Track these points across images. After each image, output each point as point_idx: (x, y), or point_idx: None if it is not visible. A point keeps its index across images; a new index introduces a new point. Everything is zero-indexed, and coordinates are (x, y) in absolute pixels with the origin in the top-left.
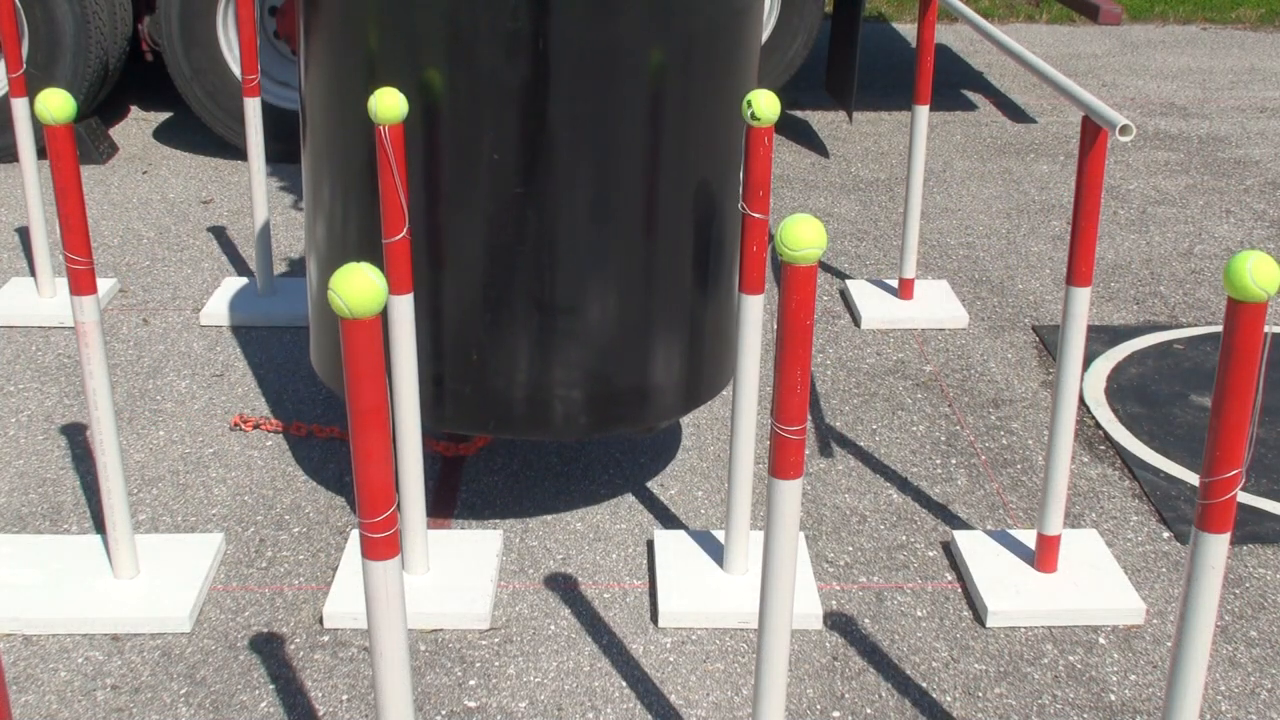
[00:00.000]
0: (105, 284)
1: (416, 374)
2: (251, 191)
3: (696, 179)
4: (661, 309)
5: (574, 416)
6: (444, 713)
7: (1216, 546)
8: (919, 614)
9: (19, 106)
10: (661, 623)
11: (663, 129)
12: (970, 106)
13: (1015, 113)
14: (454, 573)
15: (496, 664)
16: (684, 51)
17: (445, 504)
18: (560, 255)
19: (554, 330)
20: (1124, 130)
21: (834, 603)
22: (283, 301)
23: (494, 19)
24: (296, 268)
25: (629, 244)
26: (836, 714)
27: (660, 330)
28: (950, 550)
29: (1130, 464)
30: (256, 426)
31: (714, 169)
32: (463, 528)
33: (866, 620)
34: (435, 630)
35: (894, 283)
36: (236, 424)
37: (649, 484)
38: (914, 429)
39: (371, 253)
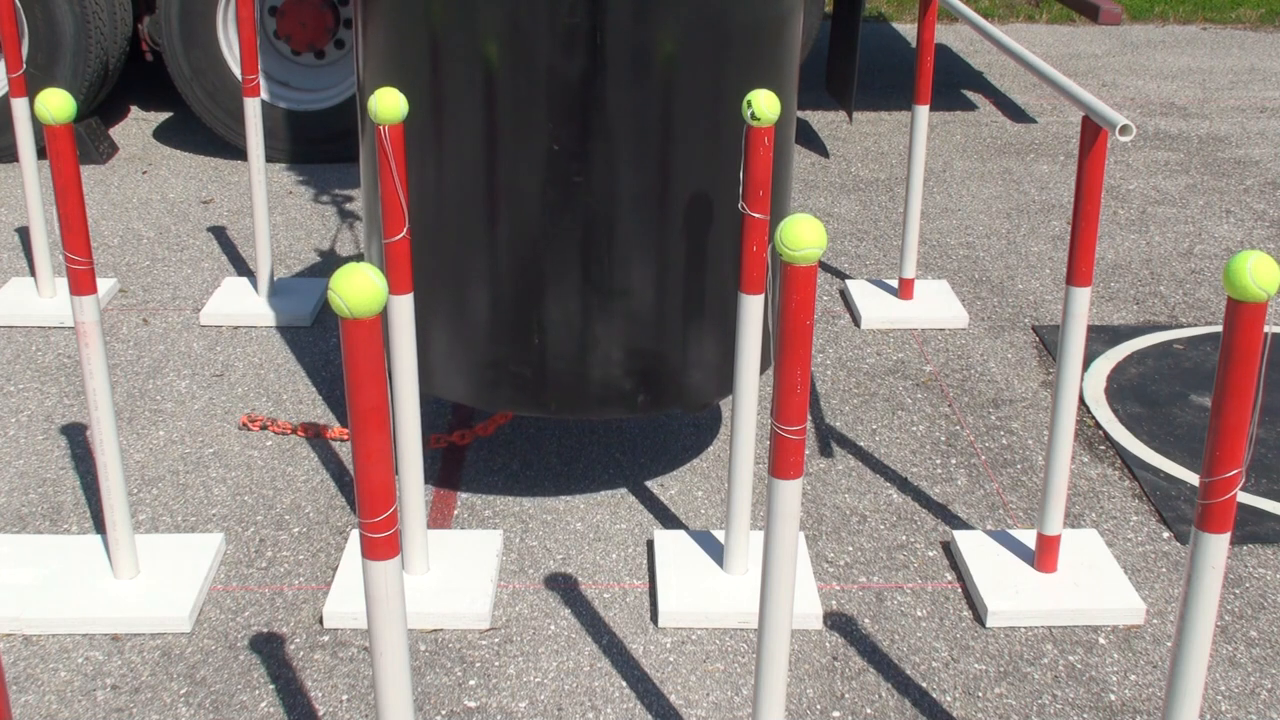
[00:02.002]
0: (105, 284)
1: (416, 373)
2: (251, 191)
3: (739, 171)
4: (709, 293)
5: (632, 395)
6: (444, 713)
7: (1216, 546)
8: (919, 614)
9: (19, 106)
10: (661, 623)
11: (711, 122)
12: (970, 106)
13: (1015, 113)
14: (454, 573)
15: (496, 664)
16: (731, 49)
17: (445, 504)
18: (617, 240)
19: (613, 312)
20: (1124, 130)
21: (834, 603)
22: (283, 301)
23: (553, 14)
24: (296, 268)
25: (680, 231)
26: (836, 714)
27: (708, 313)
28: (950, 550)
29: (1130, 464)
30: (264, 427)
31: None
32: (463, 528)
33: (866, 620)
34: (435, 630)
35: (894, 283)
36: (244, 424)
37: (649, 484)
38: (914, 429)
39: (434, 234)
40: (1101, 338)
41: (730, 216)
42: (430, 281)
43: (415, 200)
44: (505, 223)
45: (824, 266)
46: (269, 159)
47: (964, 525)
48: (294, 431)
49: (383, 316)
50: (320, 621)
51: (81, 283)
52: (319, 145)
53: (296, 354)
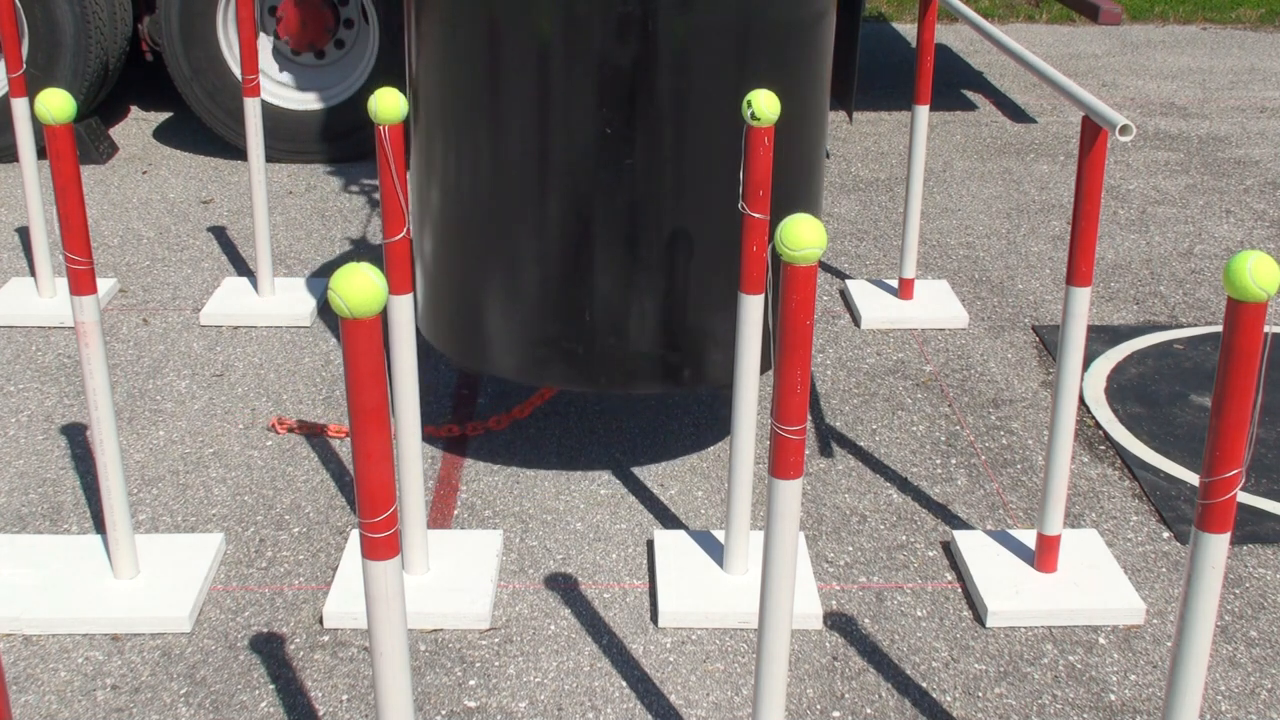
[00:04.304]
0: (105, 284)
1: (416, 374)
2: (251, 191)
3: (784, 160)
4: None
5: (678, 369)
6: (444, 713)
7: (1216, 546)
8: (919, 614)
9: (19, 106)
10: (661, 623)
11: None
12: (970, 106)
13: (1015, 113)
14: (454, 573)
15: (496, 664)
16: (774, 41)
17: (445, 504)
18: (665, 221)
19: (660, 291)
20: (1124, 130)
21: (834, 603)
22: (283, 301)
23: (607, 2)
24: (296, 268)
25: (726, 213)
26: (836, 714)
27: None
28: (950, 550)
29: (1130, 464)
30: (291, 430)
31: (798, 152)
32: (463, 528)
33: (866, 620)
34: (435, 630)
35: (894, 283)
36: (273, 426)
37: (649, 484)
38: (914, 429)
39: (489, 216)
40: (1101, 338)
41: (782, 182)
42: (483, 261)
43: (470, 182)
44: (558, 205)
45: (824, 266)
46: (269, 159)
47: (964, 525)
48: (322, 431)
49: (383, 316)
50: (320, 621)
51: (81, 283)
52: (319, 145)
53: (296, 354)
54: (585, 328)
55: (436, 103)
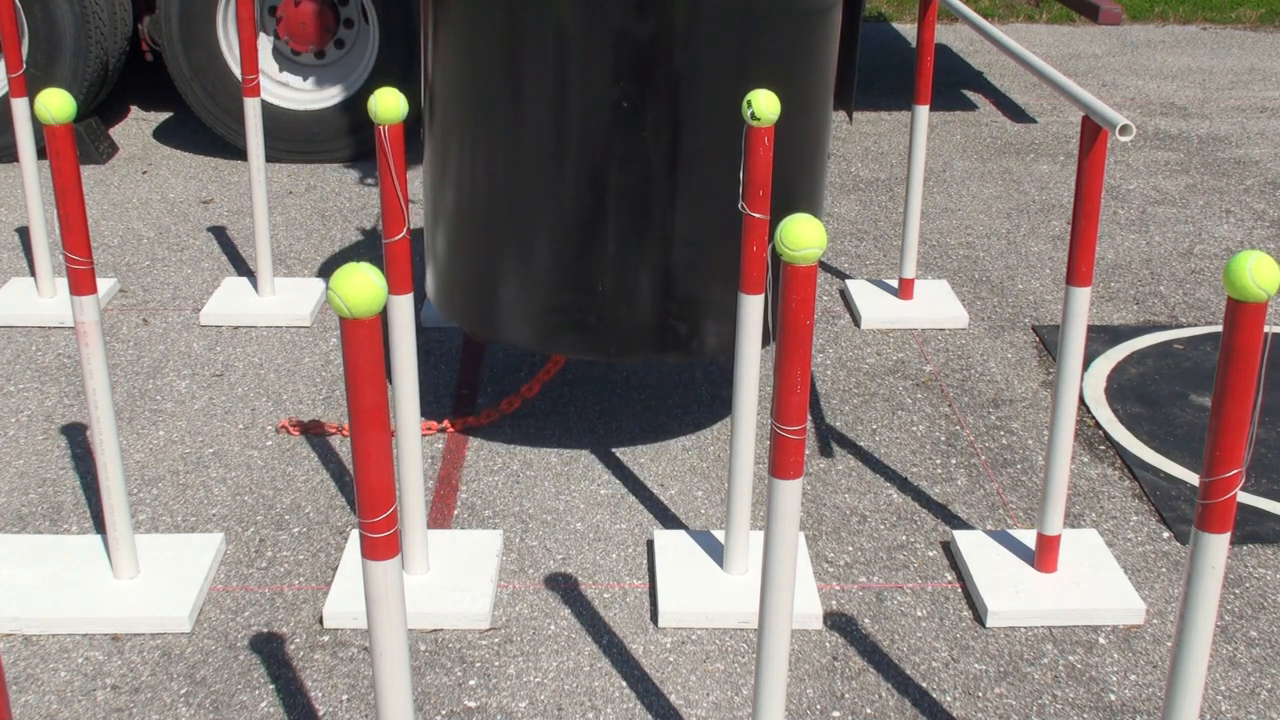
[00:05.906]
0: (105, 284)
1: (416, 373)
2: (251, 191)
3: (796, 135)
4: None
5: (687, 340)
6: (444, 713)
7: (1216, 546)
8: (919, 614)
9: (19, 106)
10: (661, 623)
11: (774, 86)
12: (970, 106)
13: (1015, 113)
14: (454, 573)
15: (496, 664)
16: (785, 26)
17: (445, 504)
18: (679, 194)
19: (674, 263)
20: (1124, 130)
21: (834, 603)
22: (283, 301)
23: None
24: (296, 268)
25: (738, 191)
26: (836, 714)
27: None
28: (950, 550)
29: (1130, 464)
30: (305, 431)
31: (809, 129)
32: (463, 528)
33: (866, 620)
34: (435, 630)
35: (894, 283)
36: (284, 428)
37: (649, 484)
38: (914, 429)
39: (505, 189)
40: (1101, 338)
41: (782, 179)
42: (498, 232)
43: (486, 155)
44: (573, 176)
45: (824, 266)
46: (269, 159)
47: (964, 525)
48: (338, 431)
49: (383, 316)
50: (320, 621)
51: (81, 283)
52: (319, 145)
53: (296, 354)
54: (598, 297)
55: (453, 80)
